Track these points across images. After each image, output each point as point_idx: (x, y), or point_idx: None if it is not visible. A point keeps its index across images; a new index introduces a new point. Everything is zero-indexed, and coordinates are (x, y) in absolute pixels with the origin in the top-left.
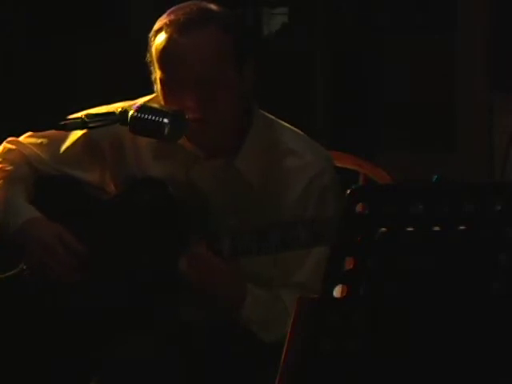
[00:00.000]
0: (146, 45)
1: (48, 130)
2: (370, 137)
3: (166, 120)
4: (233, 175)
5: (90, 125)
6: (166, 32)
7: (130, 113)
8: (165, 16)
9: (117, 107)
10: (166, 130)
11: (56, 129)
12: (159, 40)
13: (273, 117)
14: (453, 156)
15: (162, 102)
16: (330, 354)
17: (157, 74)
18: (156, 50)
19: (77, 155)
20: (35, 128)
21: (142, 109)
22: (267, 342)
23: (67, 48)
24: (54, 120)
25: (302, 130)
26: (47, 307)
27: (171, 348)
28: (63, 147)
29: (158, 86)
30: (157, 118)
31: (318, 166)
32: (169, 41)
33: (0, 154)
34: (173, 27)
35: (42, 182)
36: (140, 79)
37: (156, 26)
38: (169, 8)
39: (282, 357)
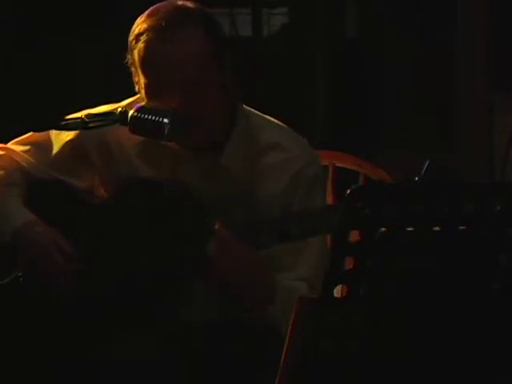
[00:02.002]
0: None
1: (48, 129)
2: (369, 137)
3: (166, 120)
4: (220, 172)
5: (90, 125)
6: (147, 38)
7: (130, 113)
8: (144, 18)
9: (101, 110)
10: (166, 130)
11: (56, 129)
12: (141, 46)
13: (258, 112)
14: (453, 156)
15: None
16: (330, 354)
17: (140, 78)
18: (139, 56)
19: (65, 161)
20: (35, 128)
21: (142, 109)
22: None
23: (67, 48)
24: (53, 120)
25: (302, 130)
26: (47, 307)
27: (171, 348)
28: (51, 154)
29: (141, 90)
30: (157, 118)
31: (304, 160)
32: (151, 48)
33: None
34: (153, 33)
35: (35, 186)
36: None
37: (136, 30)
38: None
39: (282, 357)
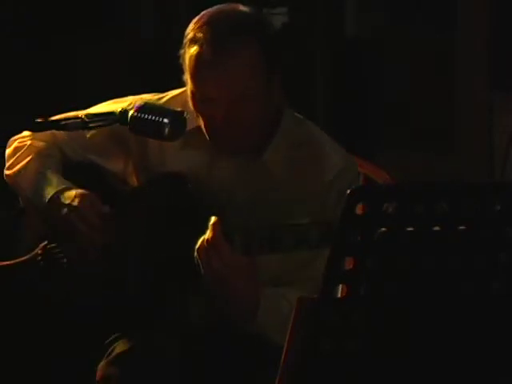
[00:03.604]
0: (145, 45)
1: (48, 130)
2: (370, 137)
3: (166, 120)
4: (258, 171)
5: (90, 125)
6: (199, 50)
7: (130, 113)
8: (201, 23)
9: (147, 97)
10: (166, 130)
11: (56, 129)
12: (192, 54)
13: (301, 116)
14: (453, 156)
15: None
16: (329, 354)
17: (188, 82)
18: (190, 63)
19: (102, 144)
20: (35, 128)
21: (142, 109)
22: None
23: (67, 48)
24: (53, 120)
25: None
26: (51, 304)
27: (171, 348)
28: (89, 134)
29: (188, 90)
30: (157, 118)
31: (342, 165)
32: (202, 61)
33: (31, 133)
34: (206, 46)
35: (67, 166)
36: (139, 79)
37: (191, 33)
38: (170, 8)
39: (282, 357)
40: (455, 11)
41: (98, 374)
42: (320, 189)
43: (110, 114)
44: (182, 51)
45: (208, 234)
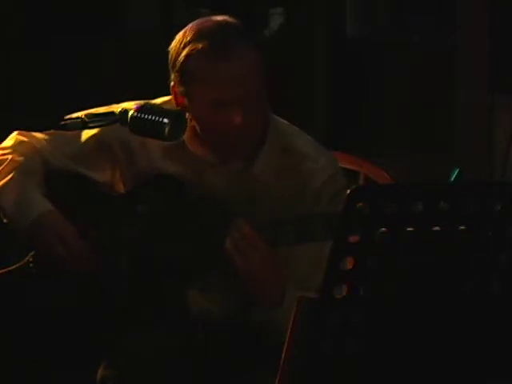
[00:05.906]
0: (145, 47)
1: (47, 130)
2: (370, 137)
3: (165, 120)
4: (249, 179)
5: (90, 125)
6: (202, 60)
7: (130, 113)
8: (189, 39)
9: (131, 105)
10: (167, 130)
11: (56, 129)
12: (196, 68)
13: (285, 121)
14: (453, 156)
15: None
16: (330, 354)
17: (196, 96)
18: (194, 76)
19: (88, 155)
20: (35, 128)
21: (142, 109)
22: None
23: (67, 48)
24: (53, 120)
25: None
26: (49, 309)
27: (172, 348)
28: (74, 146)
29: (196, 106)
30: (157, 118)
31: (331, 171)
32: (209, 69)
33: (11, 145)
34: (207, 55)
35: (53, 177)
36: (139, 80)
37: (184, 51)
38: (170, 15)
39: (282, 357)
40: (455, 11)
41: (99, 375)
42: (309, 195)
43: (110, 113)
44: (173, 74)
45: (241, 230)
